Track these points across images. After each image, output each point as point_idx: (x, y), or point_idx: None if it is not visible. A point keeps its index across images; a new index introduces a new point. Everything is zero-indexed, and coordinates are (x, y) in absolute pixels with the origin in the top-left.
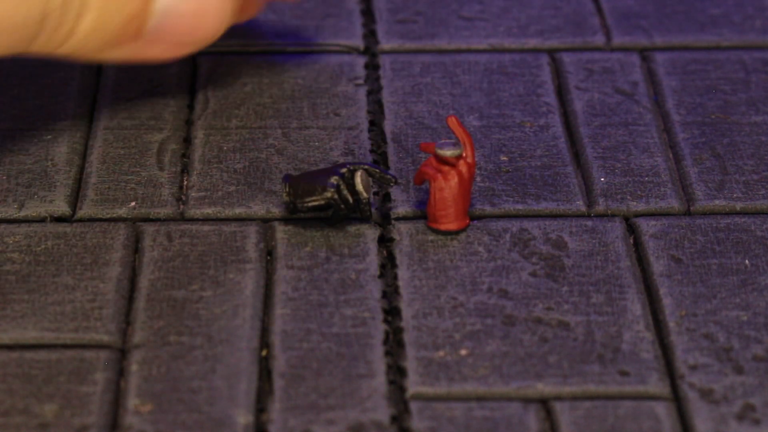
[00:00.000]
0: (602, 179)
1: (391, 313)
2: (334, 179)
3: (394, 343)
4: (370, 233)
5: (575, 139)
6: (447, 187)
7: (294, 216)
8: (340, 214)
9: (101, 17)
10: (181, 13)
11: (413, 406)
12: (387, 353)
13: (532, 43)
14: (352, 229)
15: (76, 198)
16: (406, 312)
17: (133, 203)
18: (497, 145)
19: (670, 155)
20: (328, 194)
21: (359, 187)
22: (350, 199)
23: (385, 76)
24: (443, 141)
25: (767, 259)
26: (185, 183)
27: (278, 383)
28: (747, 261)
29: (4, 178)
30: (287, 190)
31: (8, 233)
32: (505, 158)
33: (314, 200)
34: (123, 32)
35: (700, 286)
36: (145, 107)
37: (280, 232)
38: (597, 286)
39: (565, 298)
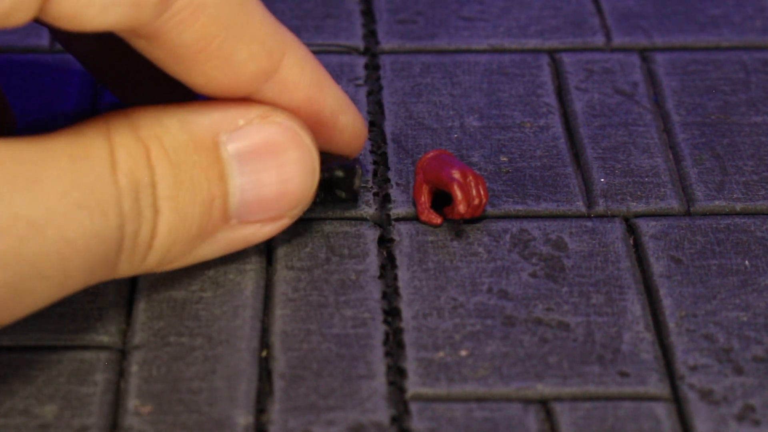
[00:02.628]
0: (602, 180)
1: (391, 313)
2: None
3: (394, 344)
4: (370, 234)
5: (575, 139)
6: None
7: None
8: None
9: (177, 212)
10: (263, 183)
11: (413, 406)
12: (387, 354)
13: (532, 43)
14: (351, 229)
15: None
16: (406, 313)
17: None
18: (497, 146)
19: (670, 156)
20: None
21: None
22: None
23: (385, 76)
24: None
25: (767, 260)
26: None
27: (278, 384)
28: (747, 262)
29: None
30: None
31: None
32: (504, 159)
33: None
34: (207, 221)
35: (700, 286)
36: None
37: (280, 232)
38: (597, 286)
39: (565, 298)
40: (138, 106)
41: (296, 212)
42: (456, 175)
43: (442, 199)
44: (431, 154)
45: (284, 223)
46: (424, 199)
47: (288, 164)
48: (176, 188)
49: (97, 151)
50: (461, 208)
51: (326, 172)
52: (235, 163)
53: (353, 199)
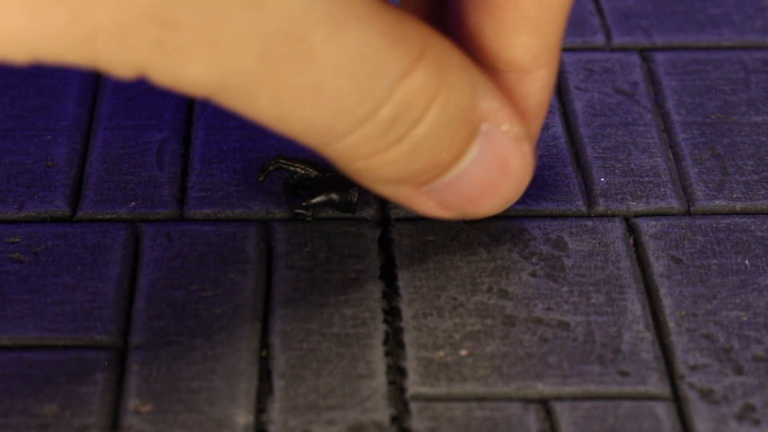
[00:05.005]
0: (602, 179)
1: (391, 313)
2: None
3: (394, 344)
4: (371, 233)
5: (575, 139)
6: None
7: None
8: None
9: (411, 147)
10: (477, 177)
11: (413, 406)
12: (387, 353)
13: None
14: (352, 229)
15: (76, 198)
16: (406, 312)
17: (133, 203)
18: None
19: (670, 155)
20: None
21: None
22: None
23: None
24: None
25: (767, 259)
26: (185, 183)
27: (278, 383)
28: (747, 261)
29: (4, 178)
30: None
31: (8, 233)
32: None
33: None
34: (420, 172)
35: (700, 286)
36: (144, 107)
37: (280, 232)
38: (597, 286)
39: (565, 298)
40: (452, 45)
41: (469, 212)
42: None
43: None
44: None
45: (443, 215)
46: None
47: (508, 180)
48: (427, 137)
49: (405, 47)
50: None
51: (323, 195)
52: (475, 152)
53: (351, 212)
